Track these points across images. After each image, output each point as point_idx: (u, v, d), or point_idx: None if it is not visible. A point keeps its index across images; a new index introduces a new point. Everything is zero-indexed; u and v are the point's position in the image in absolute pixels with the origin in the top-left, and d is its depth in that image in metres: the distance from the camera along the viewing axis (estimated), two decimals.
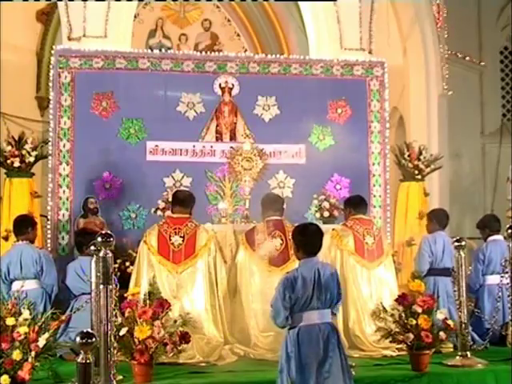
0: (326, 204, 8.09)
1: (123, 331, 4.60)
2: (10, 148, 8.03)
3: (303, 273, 3.95)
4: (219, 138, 8.28)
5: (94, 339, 3.31)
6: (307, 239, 4.08)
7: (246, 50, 12.49)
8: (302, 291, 3.90)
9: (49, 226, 7.88)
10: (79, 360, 3.27)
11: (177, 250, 5.74)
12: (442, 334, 5.07)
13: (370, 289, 6.03)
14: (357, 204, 6.42)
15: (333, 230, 6.28)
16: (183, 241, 5.76)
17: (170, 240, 5.76)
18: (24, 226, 6.29)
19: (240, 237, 6.21)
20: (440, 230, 6.66)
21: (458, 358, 5.27)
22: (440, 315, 5.10)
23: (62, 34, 8.93)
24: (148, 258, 5.73)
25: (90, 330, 3.40)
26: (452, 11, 11.21)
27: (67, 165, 7.88)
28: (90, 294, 5.01)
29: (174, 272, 5.69)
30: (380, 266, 6.15)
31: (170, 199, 6.18)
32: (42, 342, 4.24)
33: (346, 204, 6.58)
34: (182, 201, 6.01)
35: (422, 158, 9.18)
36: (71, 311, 5.56)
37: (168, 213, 7.11)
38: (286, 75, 8.52)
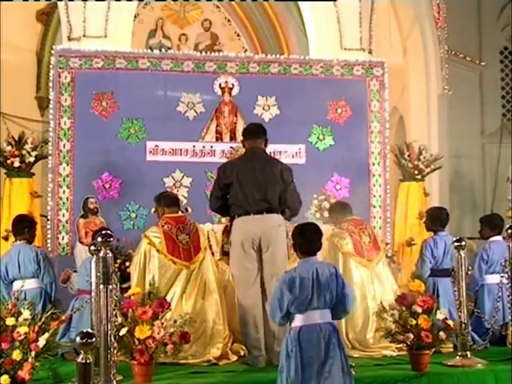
0: (325, 204, 8.09)
1: (123, 331, 4.60)
2: (9, 148, 8.05)
3: (301, 273, 3.95)
4: (219, 138, 8.27)
5: (93, 339, 3.31)
6: (306, 238, 4.08)
7: (246, 50, 12.47)
8: (301, 291, 3.90)
9: (49, 226, 7.87)
10: (79, 360, 3.27)
11: (186, 248, 5.75)
12: (441, 334, 5.06)
13: (372, 288, 6.03)
14: (341, 208, 6.51)
15: (332, 231, 6.31)
16: (189, 238, 5.79)
17: (178, 239, 5.77)
18: (22, 226, 6.27)
19: None
20: (440, 229, 6.65)
21: (457, 358, 5.26)
22: (440, 315, 5.10)
23: (62, 33, 8.93)
24: (153, 259, 5.70)
25: (89, 330, 3.40)
26: (452, 11, 11.22)
27: (67, 165, 7.88)
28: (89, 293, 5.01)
29: (186, 269, 5.68)
30: (379, 263, 6.18)
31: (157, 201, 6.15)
32: (42, 341, 4.23)
33: (331, 212, 6.69)
34: (177, 200, 6.09)
35: (422, 157, 9.19)
36: (71, 311, 5.56)
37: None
38: (286, 75, 8.50)
